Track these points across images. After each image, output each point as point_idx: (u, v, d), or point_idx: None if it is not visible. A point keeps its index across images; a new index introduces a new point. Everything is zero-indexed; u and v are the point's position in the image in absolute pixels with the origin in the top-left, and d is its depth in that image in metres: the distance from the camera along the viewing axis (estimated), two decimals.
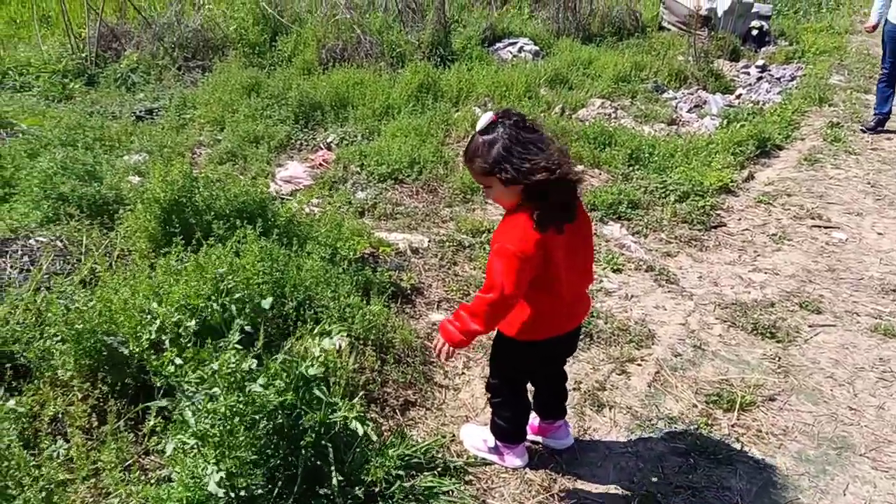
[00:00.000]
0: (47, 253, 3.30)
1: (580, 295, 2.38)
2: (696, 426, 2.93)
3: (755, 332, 3.63)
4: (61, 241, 3.48)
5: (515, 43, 8.48)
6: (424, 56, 7.56)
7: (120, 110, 6.18)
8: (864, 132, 6.85)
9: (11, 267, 3.21)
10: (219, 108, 6.06)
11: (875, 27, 6.80)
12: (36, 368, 2.61)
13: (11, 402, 2.34)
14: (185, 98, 6.45)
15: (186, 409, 2.05)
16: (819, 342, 3.58)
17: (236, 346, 2.17)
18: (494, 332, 2.42)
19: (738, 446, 2.84)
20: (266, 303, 2.69)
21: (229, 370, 2.04)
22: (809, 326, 3.71)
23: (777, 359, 3.42)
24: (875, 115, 6.88)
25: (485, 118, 2.07)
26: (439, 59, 7.63)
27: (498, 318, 2.17)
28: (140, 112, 6.21)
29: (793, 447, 2.86)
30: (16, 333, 2.68)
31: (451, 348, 2.22)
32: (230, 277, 2.73)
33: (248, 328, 2.50)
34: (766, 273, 4.26)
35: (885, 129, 6.86)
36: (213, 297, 2.65)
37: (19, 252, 3.33)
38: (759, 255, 4.49)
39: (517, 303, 2.16)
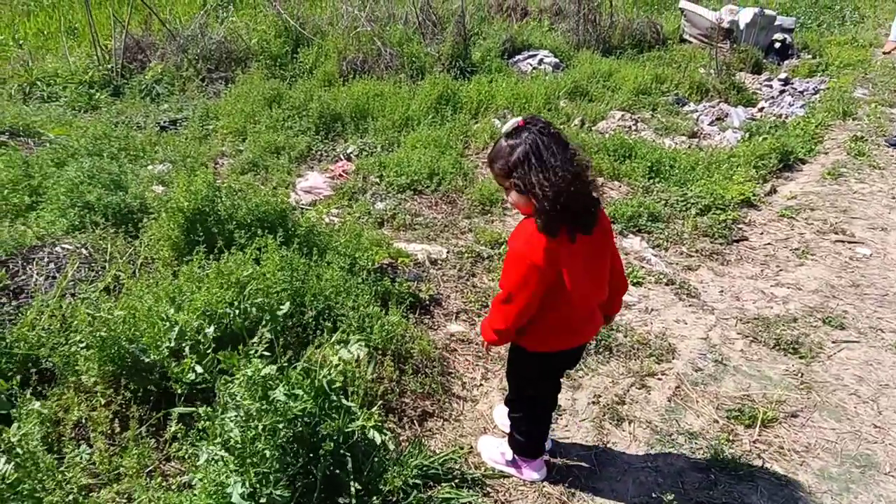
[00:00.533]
0: (73, 260, 3.36)
1: (592, 310, 2.33)
2: (716, 442, 2.90)
3: (777, 347, 3.58)
4: (87, 248, 3.54)
5: (535, 55, 8.50)
6: (444, 68, 7.61)
7: (144, 121, 6.28)
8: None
9: (38, 274, 3.27)
10: (241, 119, 6.14)
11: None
12: (61, 374, 2.66)
13: (37, 405, 2.37)
14: (208, 109, 6.54)
15: (228, 420, 2.06)
16: (842, 358, 3.53)
17: (264, 353, 2.19)
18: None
19: (759, 462, 2.81)
20: (284, 307, 2.71)
21: (259, 378, 2.06)
22: (833, 342, 3.66)
23: (800, 375, 3.38)
24: None
25: (511, 122, 2.10)
26: (459, 72, 7.67)
27: (507, 316, 2.18)
28: (164, 122, 6.31)
29: (815, 464, 2.82)
30: (42, 339, 2.74)
31: (488, 344, 2.36)
32: (253, 283, 2.76)
33: (268, 335, 2.53)
34: (788, 288, 4.21)
35: None
36: (236, 303, 2.68)
37: (46, 259, 3.39)
38: (781, 270, 4.44)
39: (527, 303, 2.14)
